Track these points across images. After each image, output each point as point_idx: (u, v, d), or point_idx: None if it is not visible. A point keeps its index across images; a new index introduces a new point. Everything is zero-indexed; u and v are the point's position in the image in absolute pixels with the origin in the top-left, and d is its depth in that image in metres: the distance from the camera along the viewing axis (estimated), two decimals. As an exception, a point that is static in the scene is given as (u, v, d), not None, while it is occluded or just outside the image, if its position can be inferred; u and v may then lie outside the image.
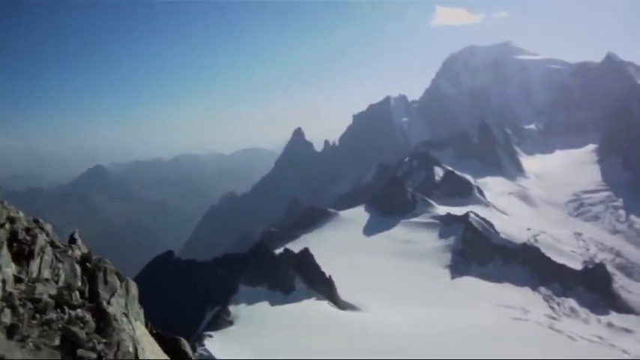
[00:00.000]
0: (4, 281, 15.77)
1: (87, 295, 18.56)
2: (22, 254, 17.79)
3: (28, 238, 18.48)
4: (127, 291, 20.90)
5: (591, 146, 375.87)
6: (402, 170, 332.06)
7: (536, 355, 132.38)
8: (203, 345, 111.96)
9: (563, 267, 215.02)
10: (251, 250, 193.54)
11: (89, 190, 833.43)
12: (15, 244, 17.97)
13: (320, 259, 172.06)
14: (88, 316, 15.73)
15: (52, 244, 19.88)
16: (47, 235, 20.26)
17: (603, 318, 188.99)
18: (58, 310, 15.37)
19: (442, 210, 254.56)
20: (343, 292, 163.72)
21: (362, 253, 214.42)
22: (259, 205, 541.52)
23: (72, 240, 22.62)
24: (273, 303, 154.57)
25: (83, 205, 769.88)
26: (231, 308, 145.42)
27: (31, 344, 12.97)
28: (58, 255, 19.43)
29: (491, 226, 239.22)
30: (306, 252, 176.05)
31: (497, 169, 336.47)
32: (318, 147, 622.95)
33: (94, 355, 13.65)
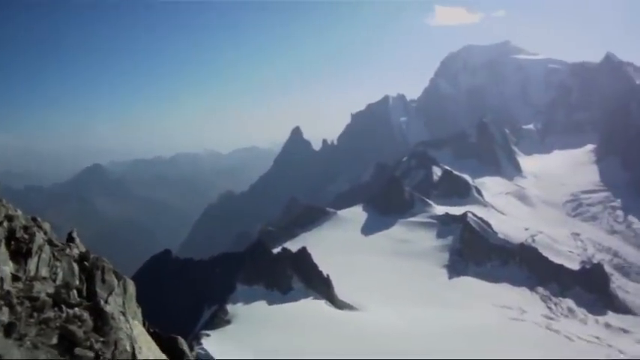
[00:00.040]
0: (1, 279, 15.78)
1: (84, 293, 18.58)
2: (19, 252, 17.79)
3: (26, 236, 18.48)
4: (125, 290, 20.93)
5: (589, 146, 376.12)
6: (400, 170, 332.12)
7: (534, 355, 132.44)
8: (200, 344, 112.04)
9: (560, 267, 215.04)
10: (249, 249, 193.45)
11: (87, 188, 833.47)
12: (13, 243, 17.97)
13: (318, 259, 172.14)
14: (86, 315, 15.70)
15: (50, 243, 19.88)
16: (45, 233, 20.27)
17: (601, 318, 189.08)
18: (56, 309, 15.34)
19: (440, 210, 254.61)
20: (341, 291, 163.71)
21: (360, 252, 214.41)
22: (257, 204, 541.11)
23: (70, 238, 22.64)
24: (270, 302, 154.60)
25: (81, 203, 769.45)
26: (229, 307, 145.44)
27: (28, 343, 12.97)
28: (55, 253, 19.43)
29: (489, 225, 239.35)
30: (303, 251, 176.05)
31: (495, 169, 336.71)
32: (317, 146, 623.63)
33: (91, 354, 13.64)
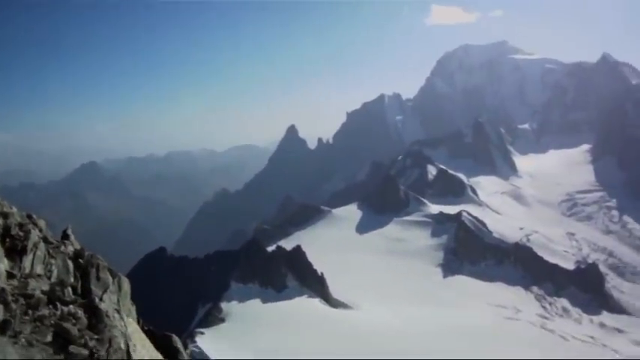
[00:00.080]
0: (-4, 277, 15.81)
1: (79, 291, 18.57)
2: (14, 250, 17.80)
3: (21, 233, 18.49)
4: (120, 287, 20.93)
5: (585, 146, 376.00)
6: (395, 168, 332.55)
7: (529, 355, 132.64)
8: (195, 342, 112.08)
9: (555, 267, 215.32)
10: (243, 247, 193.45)
11: (82, 186, 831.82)
12: (8, 240, 17.98)
13: (312, 257, 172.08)
14: (80, 313, 15.71)
15: (45, 240, 19.88)
16: (40, 230, 20.28)
17: (595, 318, 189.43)
18: (51, 307, 15.34)
19: (435, 209, 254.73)
20: (335, 289, 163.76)
21: (354, 250, 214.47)
22: (252, 202, 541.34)
23: (65, 236, 22.63)
24: (265, 300, 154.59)
25: (76, 201, 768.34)
26: (223, 305, 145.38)
27: (23, 340, 12.96)
28: (50, 251, 19.45)
29: (484, 225, 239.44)
30: (298, 249, 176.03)
31: (490, 169, 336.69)
32: (312, 144, 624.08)
33: (85, 352, 13.63)
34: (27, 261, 17.86)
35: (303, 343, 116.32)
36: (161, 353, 20.02)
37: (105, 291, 19.41)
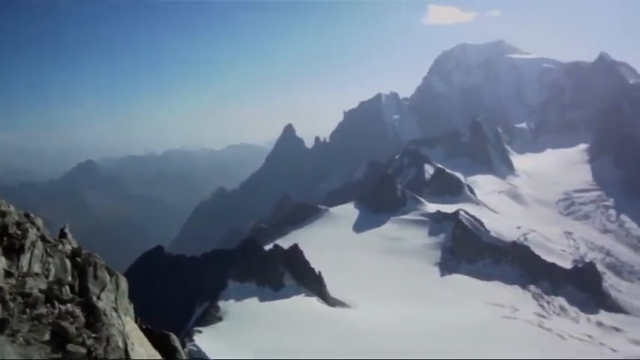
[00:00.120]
0: (-6, 275, 15.82)
1: (77, 289, 18.58)
2: (12, 248, 17.79)
3: (18, 232, 18.48)
4: (117, 286, 20.95)
5: (582, 146, 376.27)
6: (392, 167, 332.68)
7: (526, 353, 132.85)
8: (192, 340, 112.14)
9: (552, 266, 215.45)
10: (240, 245, 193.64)
11: (80, 184, 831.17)
12: (5, 238, 17.98)
13: (309, 256, 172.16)
14: (78, 311, 15.73)
15: (43, 239, 19.89)
16: (38, 229, 20.26)
17: (593, 317, 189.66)
18: (48, 305, 15.36)
19: (432, 207, 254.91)
20: (332, 288, 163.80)
21: (351, 249, 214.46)
22: (249, 201, 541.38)
23: (62, 234, 22.63)
24: (262, 299, 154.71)
25: (74, 199, 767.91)
26: (221, 304, 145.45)
27: (21, 339, 12.97)
28: (48, 249, 19.45)
29: (481, 224, 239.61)
30: (295, 248, 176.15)
31: (487, 168, 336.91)
32: (309, 143, 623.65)
33: (83, 350, 13.65)
34: (24, 260, 17.85)
35: (301, 342, 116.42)
36: (159, 352, 20.04)
37: (102, 289, 19.42)
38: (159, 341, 21.40)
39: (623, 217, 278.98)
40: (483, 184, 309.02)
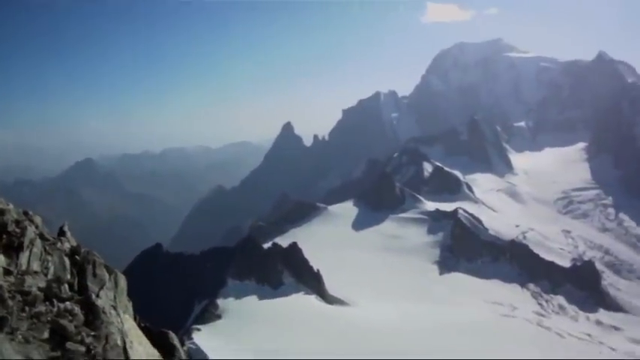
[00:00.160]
0: (-7, 273, 15.79)
1: (76, 287, 18.54)
2: (11, 246, 17.78)
3: (17, 230, 18.48)
4: (116, 284, 20.90)
5: (581, 144, 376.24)
6: (391, 165, 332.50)
7: (525, 352, 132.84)
8: (191, 339, 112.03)
9: (551, 264, 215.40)
10: (239, 244, 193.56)
11: (78, 182, 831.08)
12: (4, 236, 17.98)
13: (308, 254, 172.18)
14: (77, 309, 15.70)
15: (42, 237, 19.87)
16: (37, 227, 20.24)
17: (592, 315, 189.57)
18: (47, 303, 15.34)
19: (431, 206, 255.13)
20: (331, 286, 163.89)
21: (350, 247, 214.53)
22: (248, 199, 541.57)
23: (61, 232, 22.62)
24: (261, 297, 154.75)
25: (72, 197, 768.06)
26: (220, 302, 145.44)
27: (20, 337, 12.95)
28: (47, 247, 19.43)
29: (480, 222, 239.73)
30: (294, 246, 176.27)
31: (486, 166, 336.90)
32: (308, 142, 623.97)
33: (82, 348, 13.61)
34: (23, 258, 17.83)
35: (300, 340, 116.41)
36: (158, 350, 19.98)
37: (101, 288, 19.37)
38: (158, 339, 21.34)
39: (622, 215, 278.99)
40: (482, 183, 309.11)
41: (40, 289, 16.08)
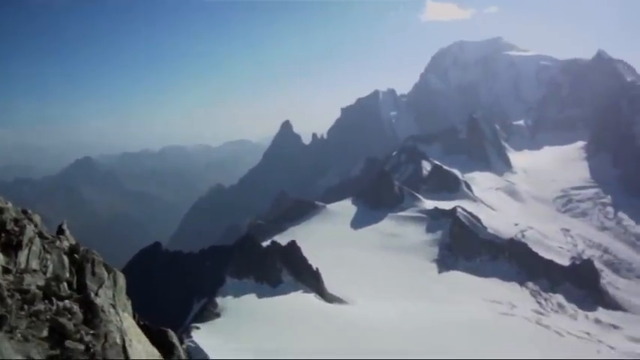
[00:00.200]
0: (-8, 272, 15.82)
1: (75, 286, 18.59)
2: (10, 245, 17.83)
3: (16, 228, 18.53)
4: (115, 282, 20.94)
5: (580, 143, 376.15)
6: (389, 164, 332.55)
7: (524, 351, 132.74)
8: (190, 337, 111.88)
9: (550, 262, 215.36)
10: (238, 242, 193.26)
11: (77, 181, 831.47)
12: (3, 235, 18.02)
13: (307, 252, 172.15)
14: (76, 308, 15.73)
15: (41, 235, 19.92)
16: (35, 226, 20.29)
17: (591, 314, 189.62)
18: (46, 302, 15.37)
19: (429, 204, 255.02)
20: (330, 285, 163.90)
21: (349, 246, 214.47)
22: (247, 198, 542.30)
23: (60, 231, 22.69)
24: (260, 295, 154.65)
25: (71, 196, 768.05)
26: (218, 300, 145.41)
27: (19, 335, 12.98)
28: (46, 246, 19.48)
29: (479, 220, 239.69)
30: (293, 244, 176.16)
31: (485, 164, 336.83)
32: (306, 140, 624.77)
33: (81, 347, 13.64)
34: (22, 256, 17.88)
35: (299, 338, 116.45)
36: (157, 348, 19.99)
37: (100, 286, 19.41)
38: (157, 338, 21.33)
39: (621, 214, 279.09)
40: (480, 181, 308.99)
41: (39, 287, 16.11)
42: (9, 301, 14.19)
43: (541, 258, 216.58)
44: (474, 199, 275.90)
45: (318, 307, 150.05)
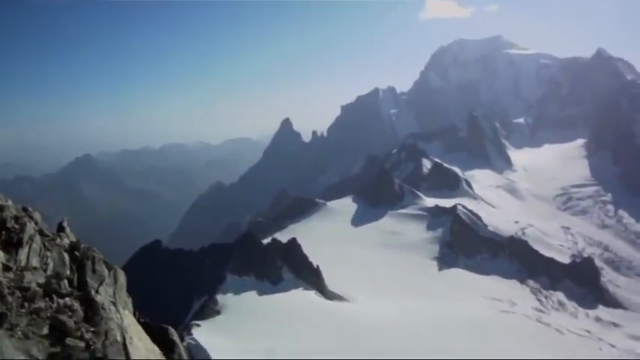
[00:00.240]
0: (-8, 269, 15.80)
1: (75, 283, 18.57)
2: (10, 242, 17.81)
3: (16, 226, 18.50)
4: (115, 280, 20.95)
5: (580, 141, 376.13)
6: (389, 162, 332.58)
7: (524, 348, 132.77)
8: (191, 334, 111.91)
9: (551, 260, 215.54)
10: (238, 239, 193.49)
11: (77, 178, 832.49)
12: (4, 233, 18.01)
13: (307, 250, 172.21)
14: (77, 305, 15.69)
15: (41, 233, 19.90)
16: (36, 223, 20.28)
17: (591, 312, 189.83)
18: (47, 299, 15.34)
19: (430, 202, 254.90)
20: (330, 282, 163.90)
21: (349, 243, 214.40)
22: (247, 195, 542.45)
23: (60, 228, 22.67)
24: (260, 293, 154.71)
25: (71, 193, 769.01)
26: (219, 298, 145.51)
27: (19, 333, 12.95)
28: (46, 243, 19.46)
29: (479, 218, 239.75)
30: (293, 242, 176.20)
31: (485, 162, 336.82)
32: (306, 138, 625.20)
33: (82, 344, 13.60)
34: (23, 254, 17.87)
35: (299, 336, 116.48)
36: (157, 346, 19.97)
37: (101, 283, 19.42)
38: (157, 335, 21.33)
39: (621, 212, 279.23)
40: (481, 179, 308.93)
41: (39, 285, 16.08)
42: (9, 298, 14.16)
43: (541, 256, 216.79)
44: (475, 197, 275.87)
45: (319, 304, 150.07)
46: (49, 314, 14.32)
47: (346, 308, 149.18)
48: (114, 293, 20.26)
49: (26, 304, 14.46)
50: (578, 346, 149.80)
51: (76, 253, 20.32)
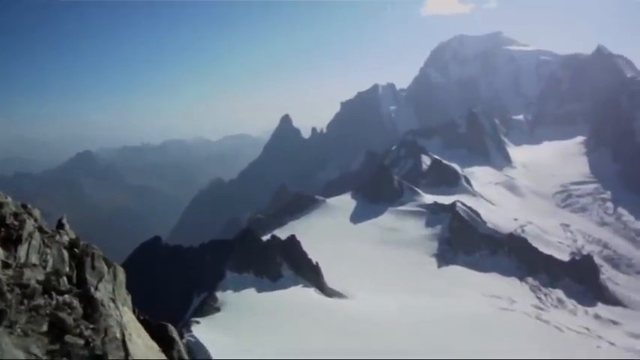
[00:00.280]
0: (-9, 266, 15.80)
1: (74, 280, 18.53)
2: (9, 239, 17.78)
3: (16, 223, 18.48)
4: (115, 277, 20.89)
5: (580, 138, 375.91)
6: (389, 158, 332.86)
7: (523, 346, 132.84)
8: (190, 331, 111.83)
9: (550, 258, 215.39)
10: (238, 236, 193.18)
11: (77, 175, 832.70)
12: (3, 229, 17.98)
13: (307, 246, 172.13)
14: (76, 302, 15.68)
15: (40, 230, 19.89)
16: (35, 220, 20.25)
17: (590, 309, 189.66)
18: (46, 296, 15.33)
19: (429, 198, 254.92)
20: (330, 279, 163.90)
21: (349, 240, 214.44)
22: (247, 191, 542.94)
23: (60, 225, 22.63)
24: (260, 290, 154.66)
25: (71, 190, 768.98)
26: (218, 295, 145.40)
27: (19, 330, 12.95)
28: (45, 240, 19.44)
29: (478, 215, 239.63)
30: (293, 239, 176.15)
31: (484, 159, 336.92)
32: (306, 134, 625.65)
33: (81, 341, 13.61)
34: (22, 250, 17.84)
35: (299, 332, 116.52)
36: (157, 342, 19.97)
37: (100, 280, 19.37)
38: (157, 332, 21.31)
39: (621, 209, 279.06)
40: (480, 176, 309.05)
41: (38, 282, 16.07)
42: (8, 295, 14.15)
43: (541, 253, 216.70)
44: (474, 194, 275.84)
45: (318, 301, 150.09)
46: (48, 311, 14.32)
47: (345, 305, 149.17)
48: (113, 290, 20.21)
49: (25, 301, 14.45)
50: (577, 343, 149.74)
51: (76, 249, 20.30)
